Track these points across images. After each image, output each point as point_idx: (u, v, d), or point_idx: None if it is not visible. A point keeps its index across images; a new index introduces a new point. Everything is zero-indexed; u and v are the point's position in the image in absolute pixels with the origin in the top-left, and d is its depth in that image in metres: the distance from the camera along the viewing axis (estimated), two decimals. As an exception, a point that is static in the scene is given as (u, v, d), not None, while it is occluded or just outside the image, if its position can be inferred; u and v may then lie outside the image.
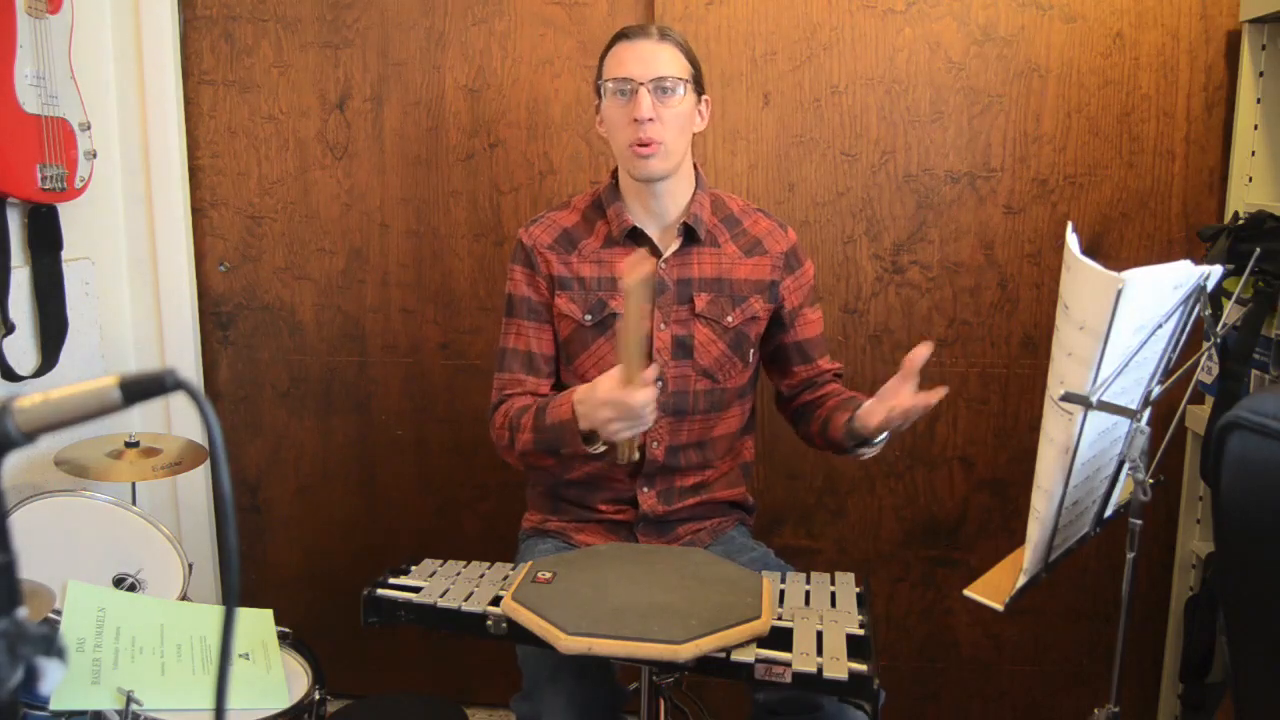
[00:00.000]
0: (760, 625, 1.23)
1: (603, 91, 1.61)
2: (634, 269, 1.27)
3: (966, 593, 1.19)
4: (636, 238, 1.65)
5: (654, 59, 1.57)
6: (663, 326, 1.64)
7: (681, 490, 1.68)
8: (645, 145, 1.55)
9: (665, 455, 1.66)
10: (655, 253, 1.65)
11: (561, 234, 1.68)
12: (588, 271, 1.65)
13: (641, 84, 1.55)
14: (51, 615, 1.46)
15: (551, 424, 1.51)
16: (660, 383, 1.62)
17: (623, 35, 1.61)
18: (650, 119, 1.54)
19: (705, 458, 1.69)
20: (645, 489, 1.67)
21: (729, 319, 1.66)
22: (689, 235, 1.64)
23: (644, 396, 1.36)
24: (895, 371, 2.17)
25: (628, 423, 1.40)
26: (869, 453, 1.61)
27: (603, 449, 1.49)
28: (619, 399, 1.37)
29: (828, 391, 1.73)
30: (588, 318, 1.64)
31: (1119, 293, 0.98)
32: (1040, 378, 1.25)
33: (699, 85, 1.63)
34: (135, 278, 2.27)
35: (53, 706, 1.38)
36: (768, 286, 1.68)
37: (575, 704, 1.40)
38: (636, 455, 1.57)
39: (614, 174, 1.68)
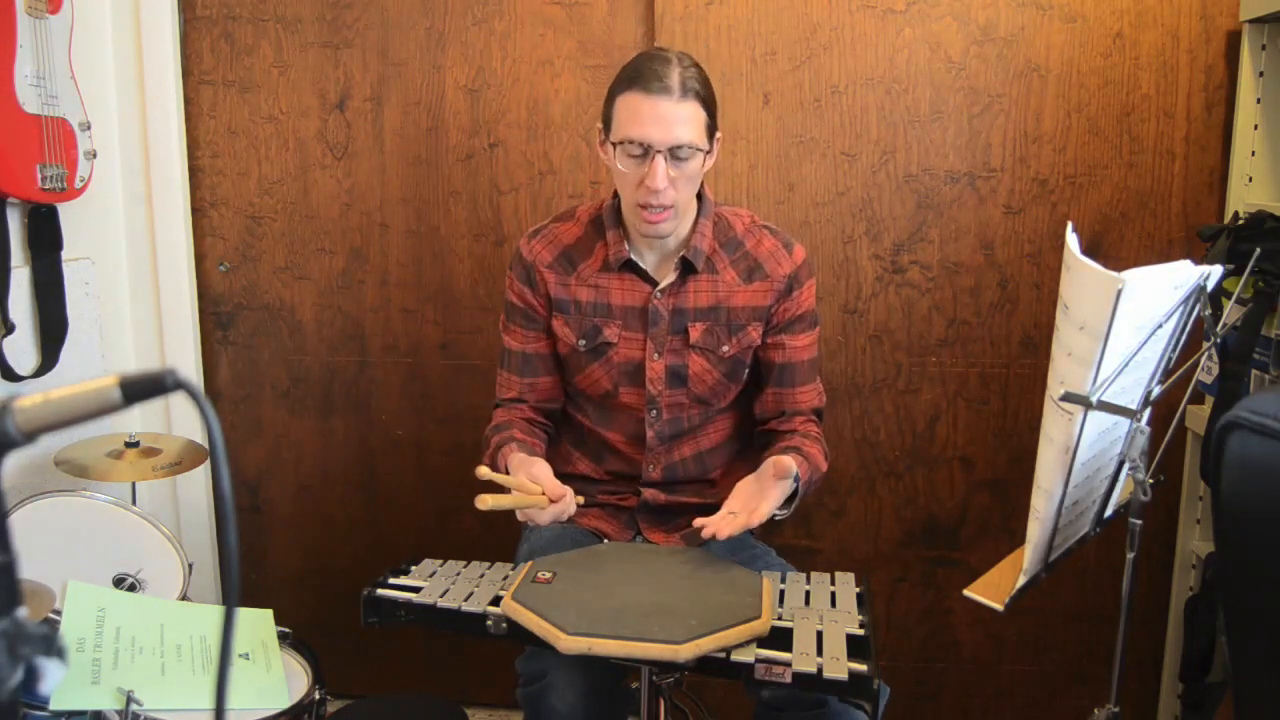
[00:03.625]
0: (760, 625, 1.23)
1: (612, 140, 1.50)
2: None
3: (966, 593, 1.19)
4: (632, 267, 1.60)
5: (673, 122, 1.44)
6: (656, 357, 1.61)
7: (685, 489, 1.69)
8: (656, 210, 1.49)
9: (663, 473, 1.67)
10: (650, 283, 1.60)
11: (562, 253, 1.64)
12: (584, 296, 1.63)
13: (659, 151, 1.45)
14: (51, 615, 1.46)
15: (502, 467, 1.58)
16: (655, 413, 1.63)
17: (641, 83, 1.46)
18: (665, 188, 1.46)
19: (704, 467, 1.70)
20: (648, 488, 1.68)
21: (725, 349, 1.61)
22: (686, 266, 1.59)
23: (547, 518, 1.46)
24: (895, 371, 2.19)
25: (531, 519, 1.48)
26: (781, 515, 1.53)
27: None
28: (528, 510, 1.46)
29: (793, 429, 1.64)
30: (581, 343, 1.63)
31: (1119, 293, 0.98)
32: (1040, 378, 1.25)
33: (714, 129, 1.52)
34: (135, 278, 2.27)
35: (53, 706, 1.38)
36: (765, 311, 1.62)
37: (582, 661, 1.41)
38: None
39: (616, 194, 1.63)
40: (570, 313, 1.63)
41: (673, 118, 1.45)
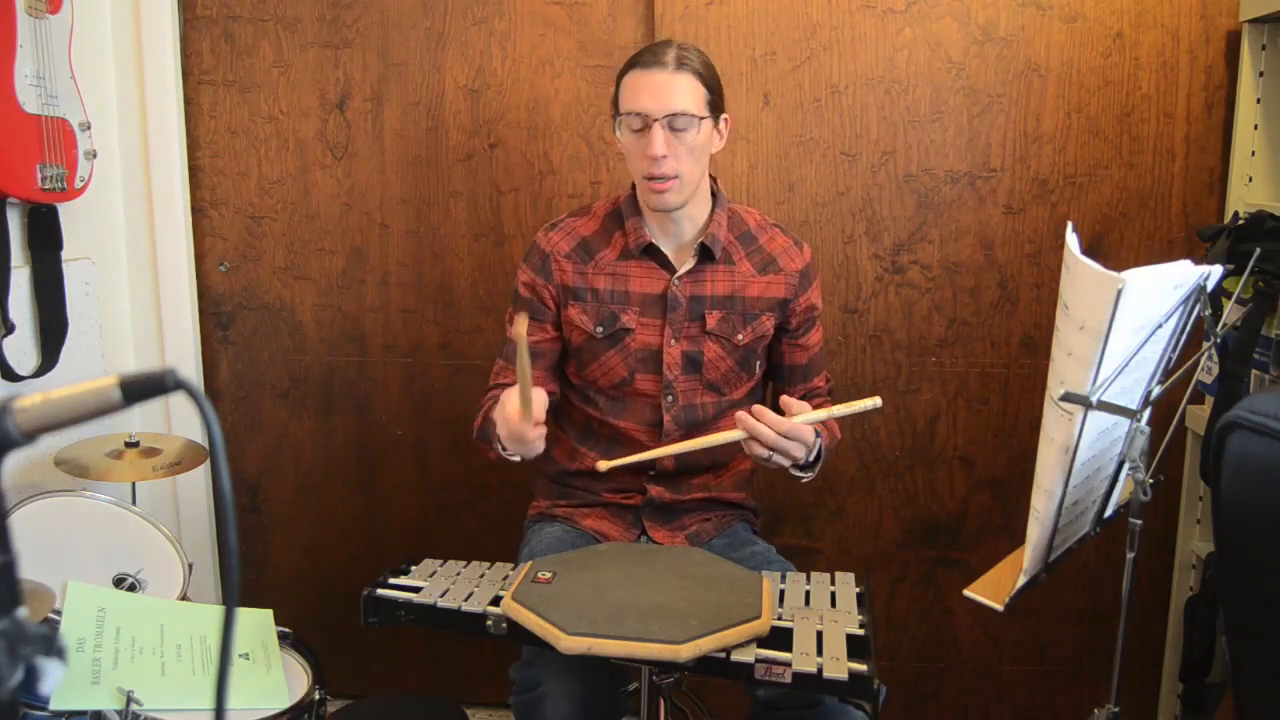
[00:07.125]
0: (760, 625, 1.23)
1: (617, 120, 1.58)
2: (519, 324, 1.31)
3: (966, 593, 1.19)
4: (652, 253, 1.65)
5: (669, 93, 1.52)
6: (673, 342, 1.64)
7: (690, 485, 1.70)
8: (660, 180, 1.53)
9: (675, 463, 1.67)
10: (669, 269, 1.65)
11: (580, 243, 1.68)
12: (602, 284, 1.65)
13: (655, 120, 1.51)
14: (51, 615, 1.46)
15: (486, 419, 1.59)
16: (671, 398, 1.65)
17: (638, 63, 1.55)
18: (664, 156, 1.52)
19: (715, 459, 1.70)
20: (653, 485, 1.68)
21: (739, 337, 1.66)
22: (704, 253, 1.64)
23: (535, 434, 1.42)
24: (895, 371, 2.19)
25: (516, 445, 1.46)
26: (804, 477, 1.59)
27: (516, 458, 1.54)
28: (514, 425, 1.42)
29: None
30: (599, 330, 1.65)
31: (1119, 293, 0.98)
32: (1040, 378, 1.25)
33: (718, 107, 1.58)
34: (135, 278, 2.27)
35: (53, 706, 1.38)
36: (779, 304, 1.68)
37: (578, 672, 1.41)
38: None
39: (634, 185, 1.67)
40: (587, 300, 1.66)
41: (667, 89, 1.52)
